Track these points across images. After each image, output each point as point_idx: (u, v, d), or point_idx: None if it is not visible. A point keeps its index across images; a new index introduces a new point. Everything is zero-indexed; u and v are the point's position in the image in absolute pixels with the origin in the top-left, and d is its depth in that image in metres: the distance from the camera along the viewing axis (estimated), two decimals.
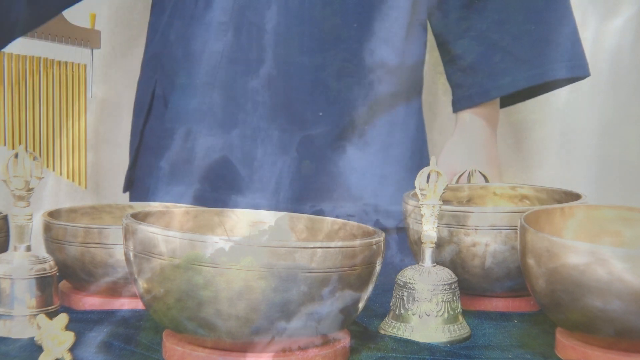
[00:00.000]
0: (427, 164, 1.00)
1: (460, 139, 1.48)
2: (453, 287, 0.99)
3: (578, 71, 1.44)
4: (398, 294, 0.99)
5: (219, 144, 1.43)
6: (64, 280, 1.13)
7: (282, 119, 1.40)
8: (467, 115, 1.48)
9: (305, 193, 1.41)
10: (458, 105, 1.49)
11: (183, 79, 1.46)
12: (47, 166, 1.67)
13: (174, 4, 1.47)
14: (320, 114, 1.39)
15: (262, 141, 1.41)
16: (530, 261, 0.90)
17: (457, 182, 1.36)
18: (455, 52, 1.45)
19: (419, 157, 1.48)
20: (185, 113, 1.47)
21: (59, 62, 1.66)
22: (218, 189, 1.44)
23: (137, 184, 1.54)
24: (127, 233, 0.86)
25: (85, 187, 1.74)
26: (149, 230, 0.83)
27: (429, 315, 0.97)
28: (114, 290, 1.07)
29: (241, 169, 1.42)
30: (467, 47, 1.44)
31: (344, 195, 1.42)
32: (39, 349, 0.84)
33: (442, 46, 1.49)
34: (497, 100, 1.50)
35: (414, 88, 1.48)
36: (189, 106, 1.45)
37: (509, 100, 1.54)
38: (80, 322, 1.00)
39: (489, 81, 1.43)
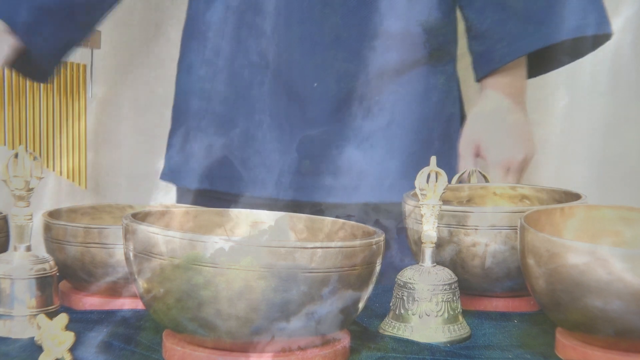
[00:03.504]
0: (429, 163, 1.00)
1: (482, 108, 1.46)
2: (453, 287, 0.99)
3: (595, 29, 1.39)
4: (398, 294, 0.99)
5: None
6: (64, 280, 1.13)
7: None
8: (488, 84, 1.46)
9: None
10: (479, 72, 1.46)
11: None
12: (47, 166, 1.67)
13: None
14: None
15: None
16: (530, 261, 0.90)
17: (457, 182, 1.36)
18: (471, 19, 1.44)
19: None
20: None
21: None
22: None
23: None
24: (127, 233, 0.86)
25: (85, 187, 1.74)
26: (149, 230, 0.83)
27: (429, 315, 0.97)
28: (114, 290, 1.07)
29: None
30: (481, 13, 1.43)
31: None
32: (39, 349, 0.84)
33: (462, 15, 1.48)
34: (522, 68, 1.48)
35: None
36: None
37: (537, 70, 1.51)
38: (80, 322, 1.00)
39: (504, 45, 1.41)
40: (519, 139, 1.43)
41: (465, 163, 1.43)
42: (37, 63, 1.43)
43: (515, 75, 1.46)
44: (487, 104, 1.45)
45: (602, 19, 1.40)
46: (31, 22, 1.38)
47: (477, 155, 1.44)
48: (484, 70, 1.44)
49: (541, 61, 1.47)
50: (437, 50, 1.47)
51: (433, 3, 1.45)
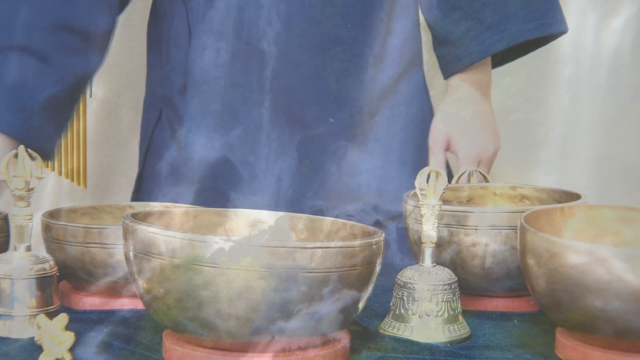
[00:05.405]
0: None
1: (450, 103, 1.48)
2: (453, 287, 0.99)
3: (549, 29, 1.42)
4: (398, 294, 0.99)
5: (219, 143, 1.43)
6: (64, 280, 1.13)
7: (282, 119, 1.40)
8: (454, 81, 1.48)
9: (305, 193, 1.41)
10: (444, 73, 1.49)
11: (184, 80, 1.46)
12: (47, 166, 1.67)
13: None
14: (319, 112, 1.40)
15: (262, 141, 1.41)
16: (530, 261, 0.90)
17: (457, 182, 1.36)
18: (430, 25, 1.46)
19: (421, 153, 1.48)
20: (186, 112, 1.47)
21: None
22: (218, 189, 1.44)
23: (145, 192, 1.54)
24: (127, 233, 0.86)
25: (85, 187, 1.74)
26: (149, 230, 0.83)
27: (429, 315, 0.97)
28: (114, 290, 1.07)
29: (241, 168, 1.42)
30: (437, 18, 1.44)
31: (343, 195, 1.42)
32: (39, 349, 0.84)
33: (424, 18, 1.49)
34: (487, 64, 1.49)
35: (413, 88, 1.49)
36: (190, 105, 1.46)
37: (504, 58, 1.53)
38: (80, 322, 1.00)
39: (461, 50, 1.43)
40: (488, 132, 1.46)
41: (436, 157, 1.44)
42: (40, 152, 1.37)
43: (481, 71, 1.47)
44: (455, 99, 1.47)
45: (553, 18, 1.42)
46: (33, 127, 1.31)
47: (447, 149, 1.45)
48: (449, 71, 1.46)
49: (503, 52, 1.48)
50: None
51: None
